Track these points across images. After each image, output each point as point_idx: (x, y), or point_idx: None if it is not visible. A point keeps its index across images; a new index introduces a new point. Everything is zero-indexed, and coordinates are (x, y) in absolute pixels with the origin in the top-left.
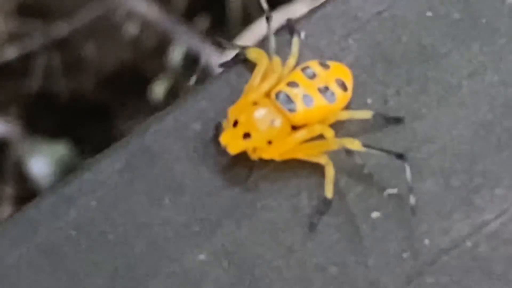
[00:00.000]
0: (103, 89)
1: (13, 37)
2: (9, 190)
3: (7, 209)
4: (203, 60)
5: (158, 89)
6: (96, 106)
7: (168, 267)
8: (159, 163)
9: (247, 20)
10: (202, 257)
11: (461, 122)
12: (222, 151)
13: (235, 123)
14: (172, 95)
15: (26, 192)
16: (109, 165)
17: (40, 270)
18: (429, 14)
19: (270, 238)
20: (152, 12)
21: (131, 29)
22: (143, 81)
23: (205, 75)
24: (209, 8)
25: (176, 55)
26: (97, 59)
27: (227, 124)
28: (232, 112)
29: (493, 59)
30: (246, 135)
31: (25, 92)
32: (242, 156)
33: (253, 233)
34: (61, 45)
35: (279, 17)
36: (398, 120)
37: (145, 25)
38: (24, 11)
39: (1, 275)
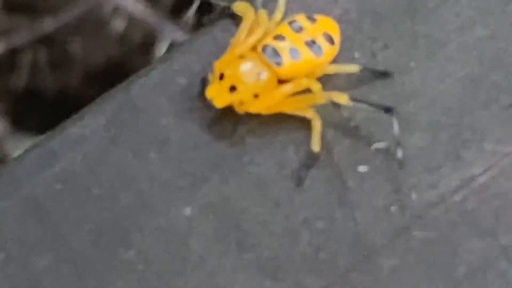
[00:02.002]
0: (90, 85)
1: None
2: None
3: None
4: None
5: None
6: (82, 102)
7: (154, 221)
8: (145, 117)
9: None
10: (188, 211)
11: (449, 77)
12: (208, 105)
13: (221, 77)
14: None
15: None
16: (94, 119)
17: (25, 224)
18: None
19: (257, 193)
20: (139, 8)
21: (118, 25)
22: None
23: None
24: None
25: (163, 51)
26: (84, 55)
27: (213, 78)
28: (218, 66)
29: (482, 14)
30: (232, 89)
31: (11, 88)
32: (228, 110)
33: (240, 187)
34: (48, 41)
35: None
36: (385, 74)
37: (132, 21)
38: (10, 7)
39: None
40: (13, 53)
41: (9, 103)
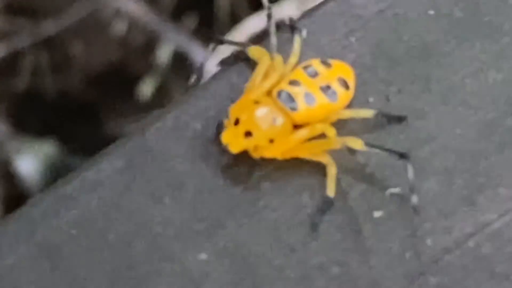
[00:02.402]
0: (90, 88)
1: (0, 36)
2: None
3: None
4: (196, 61)
5: (146, 88)
6: (83, 104)
7: (169, 267)
8: (160, 162)
9: (235, 18)
10: (203, 256)
11: (464, 121)
12: (223, 150)
13: (236, 122)
14: (161, 94)
15: (14, 191)
16: (109, 164)
17: (40, 270)
18: (431, 12)
19: (272, 238)
20: (140, 11)
21: (119, 28)
22: (131, 80)
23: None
24: (197, 7)
25: (164, 54)
26: (85, 58)
27: (228, 123)
28: (233, 111)
29: (496, 58)
30: (248, 134)
31: (12, 90)
32: (244, 155)
33: (255, 232)
34: (49, 44)
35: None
36: (400, 119)
37: (133, 24)
38: (12, 10)
39: (1, 275)
40: (14, 56)
41: (10, 105)
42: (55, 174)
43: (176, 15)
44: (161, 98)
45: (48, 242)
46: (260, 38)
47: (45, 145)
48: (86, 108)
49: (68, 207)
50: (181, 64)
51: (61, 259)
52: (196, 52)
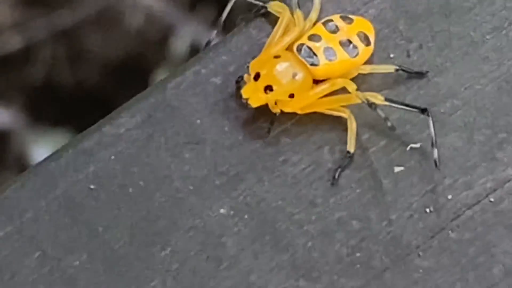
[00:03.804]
0: (106, 79)
1: (17, 27)
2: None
3: None
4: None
5: None
6: (99, 96)
7: (188, 221)
8: (179, 117)
9: (251, 9)
10: (223, 211)
11: (484, 77)
12: (243, 105)
13: (257, 77)
14: None
15: None
16: (128, 119)
17: (60, 224)
18: None
19: (292, 193)
20: (156, 3)
21: (135, 19)
22: (147, 72)
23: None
24: None
25: (180, 45)
26: (101, 49)
27: (248, 78)
28: (254, 66)
29: None
30: (268, 89)
31: (29, 82)
32: (263, 110)
33: (275, 187)
34: (65, 35)
35: None
36: (421, 75)
37: (149, 15)
38: (28, 1)
39: (21, 228)
40: (31, 47)
41: (26, 96)
42: None
43: (193, 7)
44: None
45: (68, 196)
46: None
47: (61, 136)
48: (101, 99)
49: (87, 161)
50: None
51: (80, 213)
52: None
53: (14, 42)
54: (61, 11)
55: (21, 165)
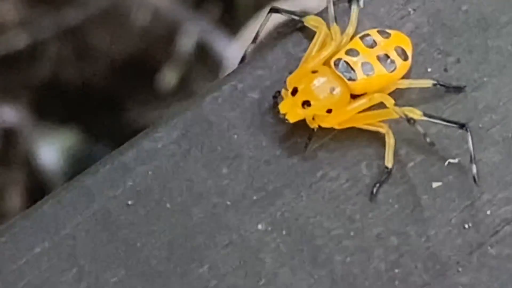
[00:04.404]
0: (113, 77)
1: (24, 25)
2: (18, 178)
3: (16, 197)
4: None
5: (168, 78)
6: (106, 94)
7: (226, 236)
8: (216, 132)
9: (258, 7)
10: (260, 226)
11: None
12: (280, 120)
13: (294, 92)
14: (183, 83)
15: (35, 180)
16: (166, 133)
17: (97, 239)
18: None
19: (330, 208)
20: (163, 1)
21: (142, 17)
22: (153, 70)
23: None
24: None
25: (186, 43)
26: (108, 47)
27: (285, 93)
28: (291, 81)
29: None
30: (305, 104)
31: (35, 80)
32: (301, 125)
33: (312, 202)
34: (72, 33)
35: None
36: (458, 89)
37: (156, 13)
38: None
39: (58, 244)
40: (37, 45)
41: (33, 94)
42: (77, 163)
43: (199, 5)
44: (183, 88)
45: (105, 212)
46: (282, 28)
47: (67, 134)
48: (108, 97)
49: (124, 177)
50: (204, 53)
51: (117, 229)
52: (219, 41)
53: (20, 40)
54: (67, 9)
55: (27, 163)
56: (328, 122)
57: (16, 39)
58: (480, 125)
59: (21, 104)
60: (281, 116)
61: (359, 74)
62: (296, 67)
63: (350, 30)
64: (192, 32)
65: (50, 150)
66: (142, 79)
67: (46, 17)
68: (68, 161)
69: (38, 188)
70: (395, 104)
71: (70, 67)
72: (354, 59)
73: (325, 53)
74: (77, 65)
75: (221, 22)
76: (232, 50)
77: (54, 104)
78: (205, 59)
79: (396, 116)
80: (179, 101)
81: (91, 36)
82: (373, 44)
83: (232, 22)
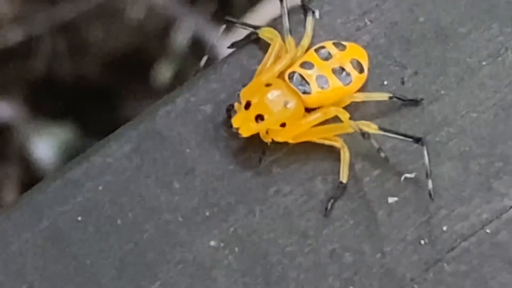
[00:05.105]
0: (107, 72)
1: (18, 20)
2: (13, 173)
3: (11, 192)
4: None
5: (163, 73)
6: (100, 89)
7: (178, 253)
8: (169, 146)
9: (252, 2)
10: (213, 243)
11: (480, 105)
12: (234, 134)
13: (247, 105)
14: (177, 78)
15: (30, 175)
16: (117, 148)
17: (46, 256)
18: None
19: (284, 224)
20: None
21: (136, 12)
22: (148, 65)
23: (213, 57)
24: None
25: (181, 38)
26: (102, 42)
27: (239, 107)
28: (244, 94)
29: None
30: (259, 118)
31: (29, 75)
32: (255, 139)
33: (266, 218)
34: (66, 28)
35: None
36: (415, 102)
37: (150, 8)
38: None
39: (7, 261)
40: (31, 40)
41: (27, 89)
42: (71, 158)
43: (194, 1)
44: (177, 82)
45: (54, 228)
46: (276, 23)
47: (62, 129)
48: (103, 92)
49: (74, 192)
50: (198, 48)
51: (67, 246)
52: (214, 36)
53: (15, 35)
54: (62, 4)
55: (22, 158)
56: (282, 136)
57: (11, 34)
58: (437, 139)
59: (16, 99)
60: (234, 130)
61: (314, 87)
62: (250, 79)
63: (305, 42)
64: (187, 27)
65: (45, 145)
66: (137, 74)
67: (41, 12)
68: (62, 155)
69: (33, 183)
70: (351, 118)
71: (65, 62)
72: (309, 72)
73: (279, 66)
74: (72, 60)
75: (215, 17)
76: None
77: (48, 99)
78: (199, 54)
79: (351, 130)
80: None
81: (86, 31)
82: (328, 57)
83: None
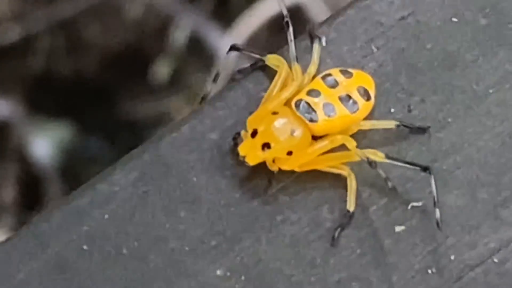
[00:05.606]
0: (106, 70)
1: (16, 18)
2: (11, 171)
3: (9, 190)
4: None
5: (161, 71)
6: (98, 87)
7: (184, 282)
8: (175, 174)
9: (251, 0)
10: (219, 272)
11: (488, 132)
12: (240, 162)
13: (254, 133)
14: (175, 76)
15: (28, 173)
16: (122, 176)
17: (52, 286)
18: (454, 19)
19: (290, 253)
20: None
21: (135, 10)
22: (146, 63)
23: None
24: None
25: (179, 36)
26: (100, 40)
27: (245, 135)
28: (251, 122)
29: None
30: (265, 146)
31: (28, 73)
32: (261, 167)
33: (273, 247)
34: (65, 26)
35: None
36: (422, 130)
37: (149, 6)
38: None
39: None
40: (29, 38)
41: (25, 87)
42: (69, 156)
43: None
44: (176, 80)
45: (60, 257)
46: (275, 21)
47: (60, 128)
48: (101, 90)
49: (80, 221)
50: (197, 46)
51: (73, 275)
52: (212, 34)
53: (13, 33)
54: (60, 2)
55: (20, 157)
56: (289, 164)
57: (9, 32)
58: (444, 167)
59: (14, 97)
60: (241, 159)
61: (321, 115)
62: (257, 107)
63: (312, 69)
64: (185, 25)
65: (43, 143)
66: (135, 72)
67: (39, 10)
68: (61, 154)
69: (31, 181)
70: (357, 146)
71: (63, 60)
72: (316, 100)
73: (286, 94)
74: (70, 58)
75: (214, 15)
76: (225, 43)
77: (47, 97)
78: (198, 52)
79: (357, 158)
80: (172, 94)
81: (84, 29)
82: (335, 84)
83: (225, 15)
